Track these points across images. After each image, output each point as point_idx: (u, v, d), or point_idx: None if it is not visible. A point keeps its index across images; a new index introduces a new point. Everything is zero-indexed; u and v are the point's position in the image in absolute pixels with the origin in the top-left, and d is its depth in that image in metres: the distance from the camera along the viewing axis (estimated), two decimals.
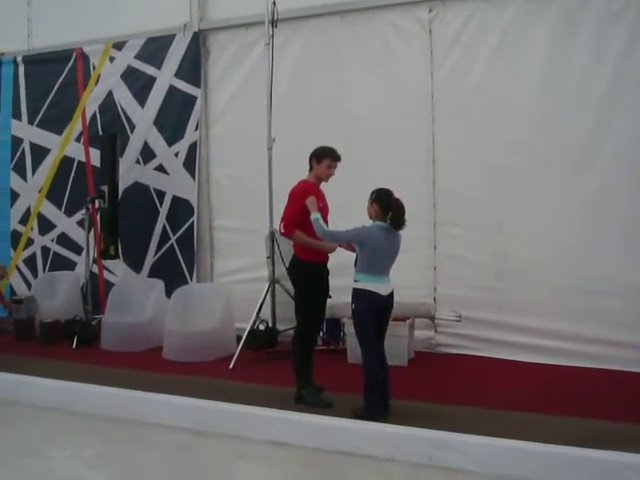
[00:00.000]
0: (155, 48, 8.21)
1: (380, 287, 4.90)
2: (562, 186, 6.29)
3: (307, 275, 5.27)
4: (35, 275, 9.10)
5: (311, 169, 5.39)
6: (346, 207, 5.53)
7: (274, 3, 6.70)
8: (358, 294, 4.93)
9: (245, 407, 5.12)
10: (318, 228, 4.99)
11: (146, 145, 8.32)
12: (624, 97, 6.05)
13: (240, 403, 5.19)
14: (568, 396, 5.37)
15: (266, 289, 6.73)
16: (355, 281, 4.95)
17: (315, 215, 5.02)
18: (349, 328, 6.56)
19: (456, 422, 4.67)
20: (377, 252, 4.92)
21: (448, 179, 6.68)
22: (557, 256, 6.28)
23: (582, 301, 6.15)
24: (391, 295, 4.99)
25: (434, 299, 6.76)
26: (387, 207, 4.91)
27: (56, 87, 8.89)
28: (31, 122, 9.07)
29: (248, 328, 6.60)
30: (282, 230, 5.31)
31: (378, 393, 4.89)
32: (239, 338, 6.64)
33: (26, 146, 9.12)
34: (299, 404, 5.17)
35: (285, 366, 5.91)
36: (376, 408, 4.86)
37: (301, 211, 5.16)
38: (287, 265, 5.58)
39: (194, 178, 8.05)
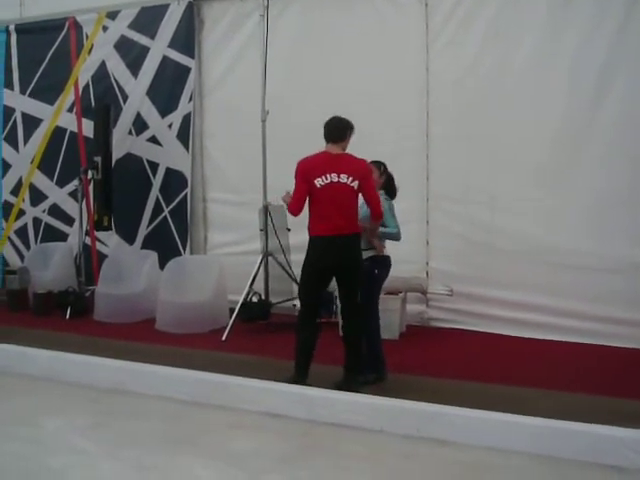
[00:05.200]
0: (149, 18, 8.11)
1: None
2: (556, 162, 6.27)
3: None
4: (27, 246, 9.07)
5: (344, 139, 5.01)
6: None
7: None
8: (384, 261, 5.16)
9: (238, 378, 5.15)
10: (394, 235, 5.17)
11: (139, 116, 8.26)
12: (621, 72, 6.00)
13: (233, 374, 5.22)
14: (559, 370, 5.43)
15: (259, 262, 6.74)
16: (369, 249, 5.10)
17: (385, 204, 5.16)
18: None
19: (446, 395, 4.71)
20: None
21: (441, 153, 6.66)
22: (549, 231, 6.29)
23: (573, 276, 6.18)
24: None
25: (426, 273, 6.79)
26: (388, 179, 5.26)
27: (48, 57, 8.78)
28: (23, 92, 8.98)
29: (241, 300, 6.62)
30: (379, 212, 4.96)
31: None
32: (232, 310, 6.67)
33: (18, 116, 9.04)
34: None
35: (278, 337, 5.96)
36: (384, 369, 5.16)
37: None
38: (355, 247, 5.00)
39: (188, 150, 8.01)
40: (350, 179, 4.85)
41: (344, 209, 4.87)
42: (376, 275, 5.11)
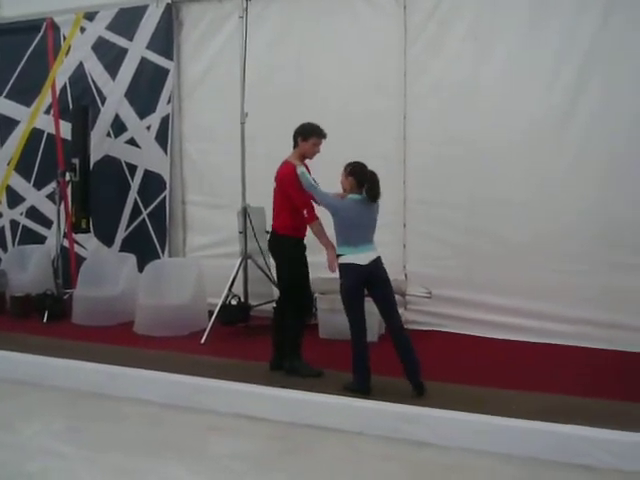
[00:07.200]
0: (127, 19, 8.06)
1: (360, 257, 4.94)
2: (534, 164, 6.31)
3: (292, 250, 5.34)
4: (4, 249, 8.99)
5: (296, 146, 5.36)
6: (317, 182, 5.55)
7: None
8: (342, 269, 5.00)
9: (217, 381, 5.16)
10: (305, 181, 5.15)
11: (117, 118, 8.22)
12: (599, 76, 6.05)
13: (212, 377, 5.23)
14: (536, 372, 5.47)
15: (238, 264, 6.74)
16: (338, 256, 5.03)
17: (301, 169, 5.20)
18: (321, 303, 6.62)
19: (424, 397, 4.75)
20: (350, 224, 4.98)
21: (419, 156, 6.69)
22: (528, 234, 6.33)
23: (551, 279, 6.22)
24: (375, 262, 4.99)
25: (405, 276, 6.82)
26: (362, 180, 5.01)
27: (25, 58, 8.70)
28: None
29: (220, 303, 6.61)
30: (306, 215, 5.23)
31: (367, 368, 4.98)
32: (211, 313, 6.67)
33: None
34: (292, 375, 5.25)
35: (257, 340, 5.96)
36: (364, 382, 4.93)
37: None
38: (268, 240, 5.63)
39: (166, 152, 7.98)
40: (274, 182, 5.40)
41: (273, 209, 5.48)
42: (340, 285, 5.04)
